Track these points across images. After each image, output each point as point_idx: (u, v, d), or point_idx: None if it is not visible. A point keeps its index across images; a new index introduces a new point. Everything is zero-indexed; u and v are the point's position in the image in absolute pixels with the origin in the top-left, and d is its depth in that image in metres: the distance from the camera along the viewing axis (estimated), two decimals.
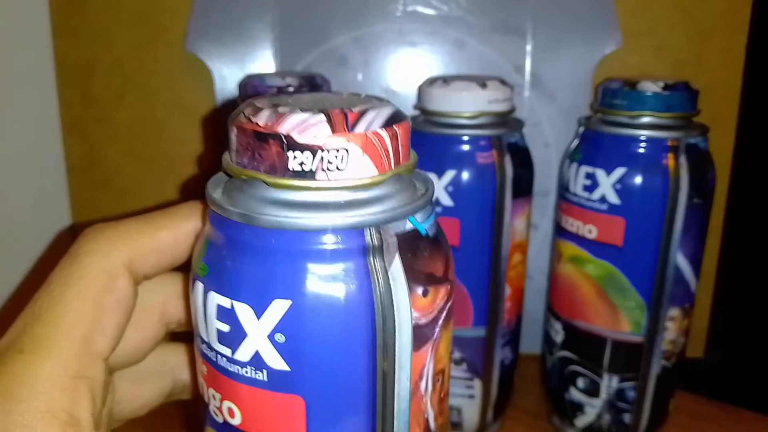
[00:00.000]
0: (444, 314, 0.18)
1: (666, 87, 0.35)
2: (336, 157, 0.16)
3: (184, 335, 0.22)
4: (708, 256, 0.39)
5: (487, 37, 0.45)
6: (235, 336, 0.17)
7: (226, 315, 0.17)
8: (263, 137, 0.16)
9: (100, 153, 0.48)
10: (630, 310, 0.36)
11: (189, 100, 0.46)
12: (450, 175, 0.34)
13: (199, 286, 0.18)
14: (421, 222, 0.18)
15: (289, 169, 0.16)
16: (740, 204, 0.48)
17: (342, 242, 0.16)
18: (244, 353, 0.17)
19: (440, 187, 0.34)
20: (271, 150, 0.16)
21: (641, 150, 0.35)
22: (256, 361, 0.17)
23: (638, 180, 0.35)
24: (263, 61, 0.45)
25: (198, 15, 0.44)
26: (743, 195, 0.48)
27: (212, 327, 0.18)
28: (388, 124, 0.17)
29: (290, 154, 0.16)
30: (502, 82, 0.36)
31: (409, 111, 0.41)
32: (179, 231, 0.20)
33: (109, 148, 0.48)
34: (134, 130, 0.47)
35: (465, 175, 0.34)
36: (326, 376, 0.17)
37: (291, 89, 0.35)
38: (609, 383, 0.38)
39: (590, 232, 0.36)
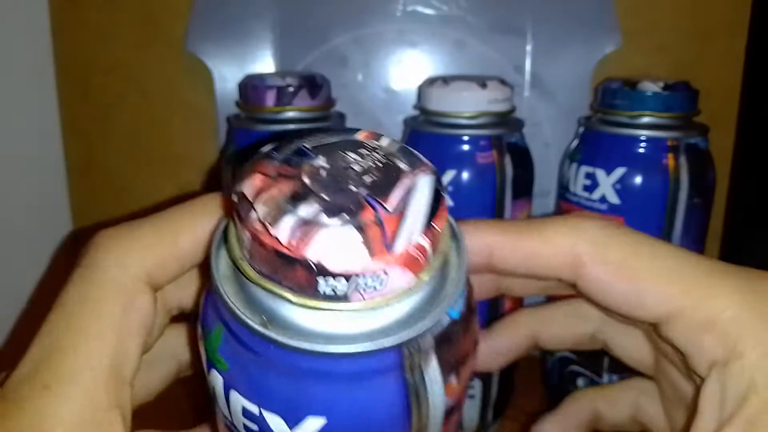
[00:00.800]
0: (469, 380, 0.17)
1: (666, 87, 0.35)
2: (374, 280, 0.14)
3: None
4: (708, 255, 0.38)
5: (487, 37, 0.45)
6: None
7: (254, 418, 0.16)
8: (289, 260, 0.14)
9: (99, 152, 0.48)
10: None
11: (189, 100, 0.46)
12: (450, 175, 0.34)
13: (219, 379, 0.16)
14: (455, 306, 0.16)
15: (318, 292, 0.14)
16: (740, 204, 0.48)
17: (379, 362, 0.15)
18: None
19: None
20: (298, 273, 0.14)
21: (641, 150, 0.35)
22: None
23: (638, 180, 0.35)
24: (263, 61, 0.45)
25: (198, 15, 0.44)
26: (743, 195, 0.48)
27: (238, 420, 0.16)
28: (428, 224, 0.14)
29: (321, 279, 0.14)
30: (502, 82, 0.36)
31: (410, 111, 0.42)
32: (198, 232, 0.18)
33: (108, 148, 0.48)
34: (134, 130, 0.47)
35: (465, 175, 0.34)
36: None
37: (291, 89, 0.35)
38: (609, 383, 0.38)
39: None
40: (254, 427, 0.16)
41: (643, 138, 0.35)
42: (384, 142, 0.17)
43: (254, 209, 0.14)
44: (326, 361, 0.14)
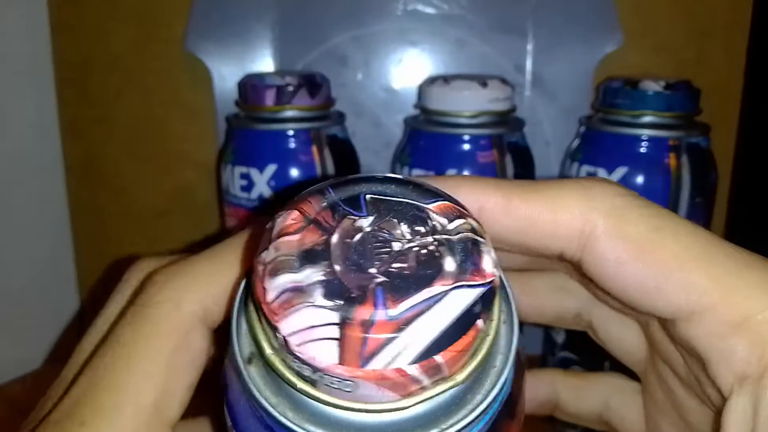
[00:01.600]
0: None
1: (667, 86, 0.35)
2: (340, 383, 0.12)
3: None
4: None
5: (487, 37, 0.44)
6: None
7: None
8: (268, 321, 0.12)
9: (98, 151, 0.48)
10: None
11: (188, 99, 0.46)
12: (451, 174, 0.34)
13: None
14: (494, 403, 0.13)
15: (292, 368, 0.12)
16: (742, 203, 0.48)
17: None
18: None
19: None
20: (277, 337, 0.12)
21: (643, 149, 0.35)
22: None
23: (640, 179, 0.34)
24: (263, 61, 0.45)
25: (198, 14, 0.44)
26: (745, 194, 0.48)
27: None
28: (427, 354, 0.12)
29: (289, 356, 0.12)
30: (503, 81, 0.36)
31: (410, 110, 0.41)
32: None
33: (107, 147, 0.48)
34: (133, 128, 0.47)
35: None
36: None
37: (290, 88, 0.35)
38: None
39: None
40: None
41: (644, 137, 0.35)
42: (456, 224, 0.13)
43: (267, 249, 0.13)
44: None
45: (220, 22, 0.44)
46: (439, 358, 0.12)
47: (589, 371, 0.22)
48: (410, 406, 0.12)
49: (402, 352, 0.11)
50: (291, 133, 0.35)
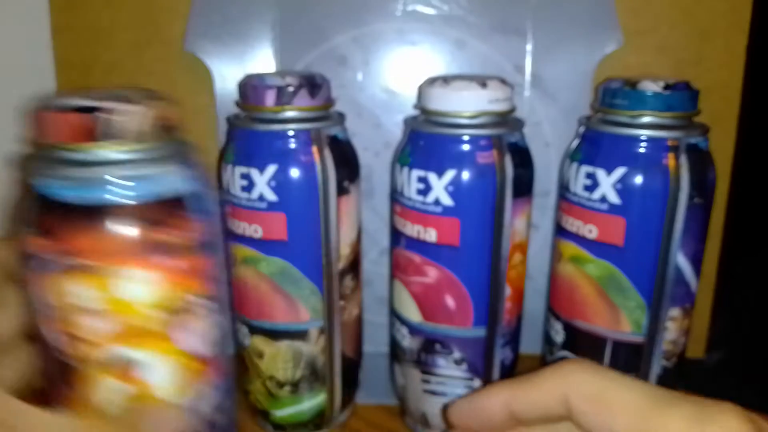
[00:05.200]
0: None
1: (666, 87, 0.35)
2: None
3: None
4: (708, 256, 0.39)
5: (487, 37, 0.45)
6: None
7: None
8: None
9: None
10: (630, 310, 0.36)
11: (188, 100, 0.46)
12: (450, 174, 0.34)
13: None
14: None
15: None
16: (741, 204, 0.48)
17: None
18: None
19: (440, 186, 0.34)
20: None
21: (642, 150, 0.35)
22: None
23: (639, 180, 0.35)
24: (263, 61, 0.45)
25: (197, 15, 0.44)
26: (744, 195, 0.48)
27: None
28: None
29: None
30: (503, 81, 0.36)
31: (410, 111, 0.41)
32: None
33: None
34: None
35: (465, 175, 0.34)
36: None
37: (291, 89, 0.35)
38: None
39: (590, 231, 0.36)
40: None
41: (643, 138, 0.35)
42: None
43: None
44: None
45: (220, 22, 0.45)
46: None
47: None
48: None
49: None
50: (291, 133, 0.35)
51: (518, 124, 0.37)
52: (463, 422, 0.25)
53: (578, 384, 0.22)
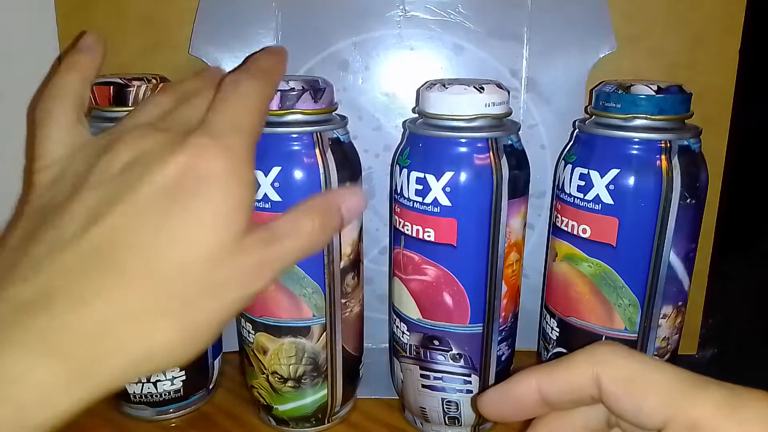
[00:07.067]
0: None
1: (659, 90, 0.36)
2: None
3: None
4: (700, 254, 0.39)
5: (484, 42, 0.45)
6: None
7: None
8: None
9: None
10: (624, 308, 0.37)
11: None
12: (448, 176, 0.35)
13: None
14: None
15: None
16: (732, 204, 0.48)
17: None
18: None
19: (438, 187, 0.35)
20: None
21: (635, 152, 0.35)
22: None
23: (631, 181, 0.35)
24: None
25: (203, 20, 0.45)
26: (735, 195, 0.48)
27: None
28: None
29: None
30: (499, 85, 0.36)
31: (409, 114, 0.42)
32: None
33: None
34: None
35: (462, 177, 0.35)
36: None
37: (294, 93, 0.36)
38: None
39: (584, 231, 0.37)
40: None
41: (636, 140, 0.35)
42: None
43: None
44: None
45: (225, 28, 0.45)
46: None
47: None
48: None
49: None
50: (295, 136, 0.36)
51: (514, 127, 0.37)
52: (495, 411, 0.24)
53: (609, 366, 0.22)
